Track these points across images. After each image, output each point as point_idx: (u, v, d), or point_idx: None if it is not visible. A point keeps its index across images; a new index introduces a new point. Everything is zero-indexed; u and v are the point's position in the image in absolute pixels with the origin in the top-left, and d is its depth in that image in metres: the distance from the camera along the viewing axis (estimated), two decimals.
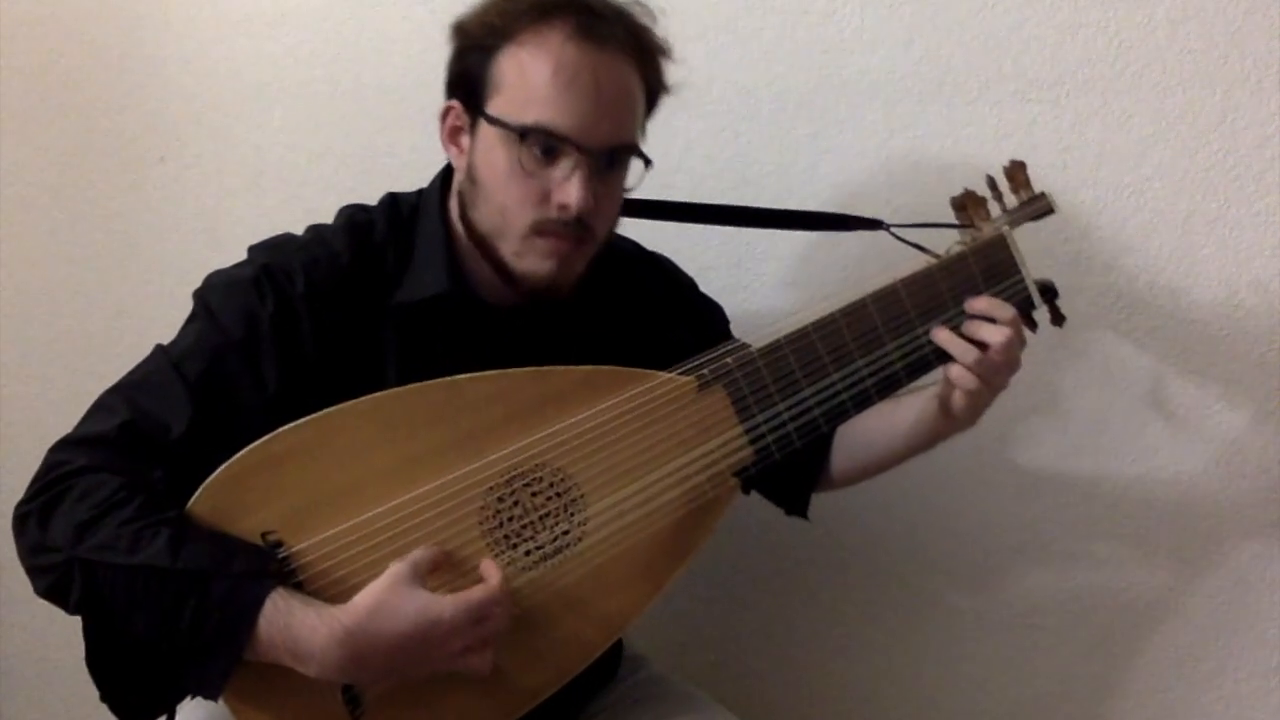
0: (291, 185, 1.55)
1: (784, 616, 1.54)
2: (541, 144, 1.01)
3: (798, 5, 1.40)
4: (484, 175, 1.04)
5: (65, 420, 1.03)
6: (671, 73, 1.10)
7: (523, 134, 1.01)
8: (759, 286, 1.47)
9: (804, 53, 1.41)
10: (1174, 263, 1.35)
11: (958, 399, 1.08)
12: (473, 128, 1.06)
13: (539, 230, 1.03)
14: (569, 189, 1.01)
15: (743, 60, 1.43)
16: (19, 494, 0.98)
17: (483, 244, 1.07)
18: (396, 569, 0.94)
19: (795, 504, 1.26)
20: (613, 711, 1.23)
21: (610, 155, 1.04)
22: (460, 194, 1.09)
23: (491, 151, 1.03)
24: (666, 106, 1.44)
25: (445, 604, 0.93)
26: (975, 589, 1.48)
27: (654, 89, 1.09)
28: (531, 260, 1.04)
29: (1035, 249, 1.36)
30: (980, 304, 1.08)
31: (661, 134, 1.45)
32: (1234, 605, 1.41)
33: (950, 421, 1.11)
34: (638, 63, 1.05)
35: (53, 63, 1.59)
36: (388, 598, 0.92)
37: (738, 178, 1.45)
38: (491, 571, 0.98)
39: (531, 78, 1.01)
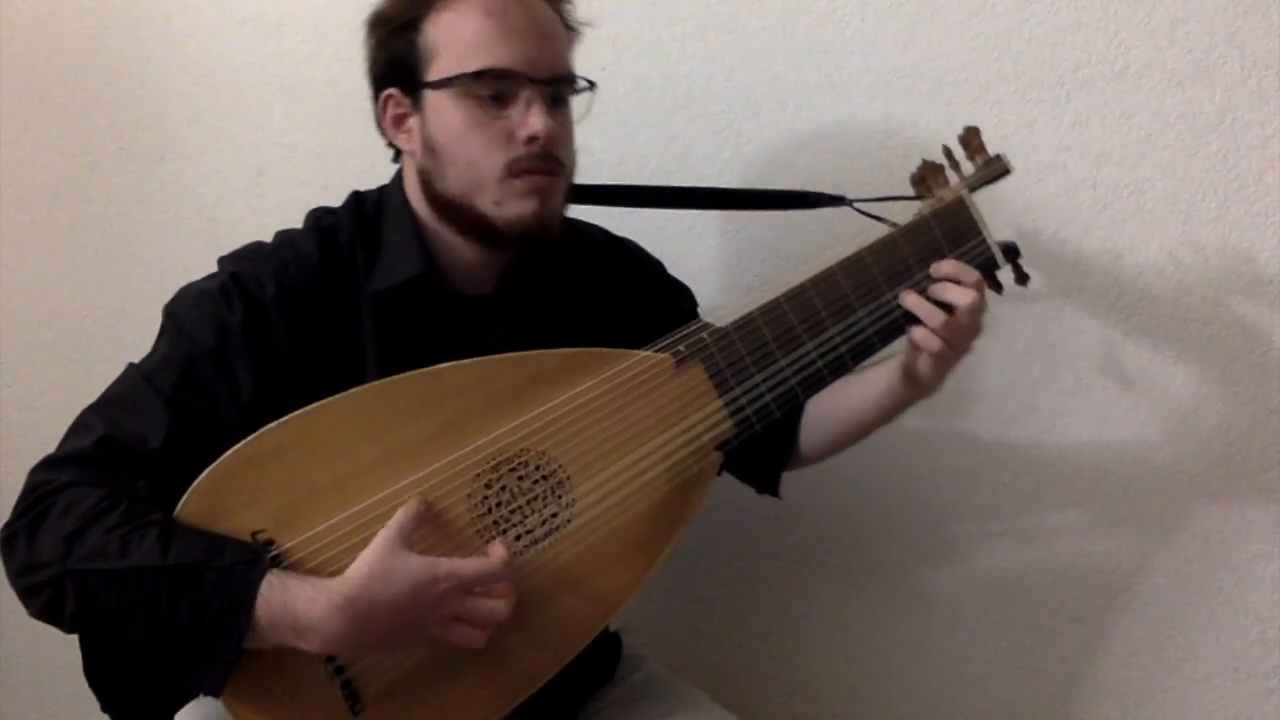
0: (291, 185, 1.56)
1: (783, 617, 1.54)
2: (493, 88, 1.04)
3: (798, 5, 1.40)
4: (444, 140, 1.06)
5: (65, 420, 1.03)
6: (578, 11, 1.14)
7: (475, 77, 1.03)
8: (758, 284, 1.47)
9: (804, 53, 1.41)
10: (1174, 263, 1.35)
11: (923, 363, 1.09)
12: (416, 105, 1.08)
13: (513, 170, 1.05)
14: (531, 121, 1.04)
15: (743, 60, 1.43)
16: (18, 493, 0.98)
17: (457, 211, 1.07)
18: (385, 535, 0.94)
19: (766, 482, 1.27)
20: (611, 711, 1.23)
21: (557, 86, 1.07)
22: (422, 174, 1.09)
23: (445, 114, 1.06)
24: (666, 106, 1.45)
25: (440, 564, 0.94)
26: (975, 589, 1.48)
27: (568, 28, 1.12)
28: (513, 204, 1.05)
29: (1035, 249, 1.37)
30: (946, 267, 1.10)
31: (661, 134, 1.46)
32: (1234, 605, 1.41)
33: (915, 388, 1.12)
34: (550, 1, 1.10)
35: (53, 63, 1.59)
36: (381, 562, 0.93)
37: (737, 178, 1.45)
38: (497, 550, 0.98)
39: (465, 31, 1.04)
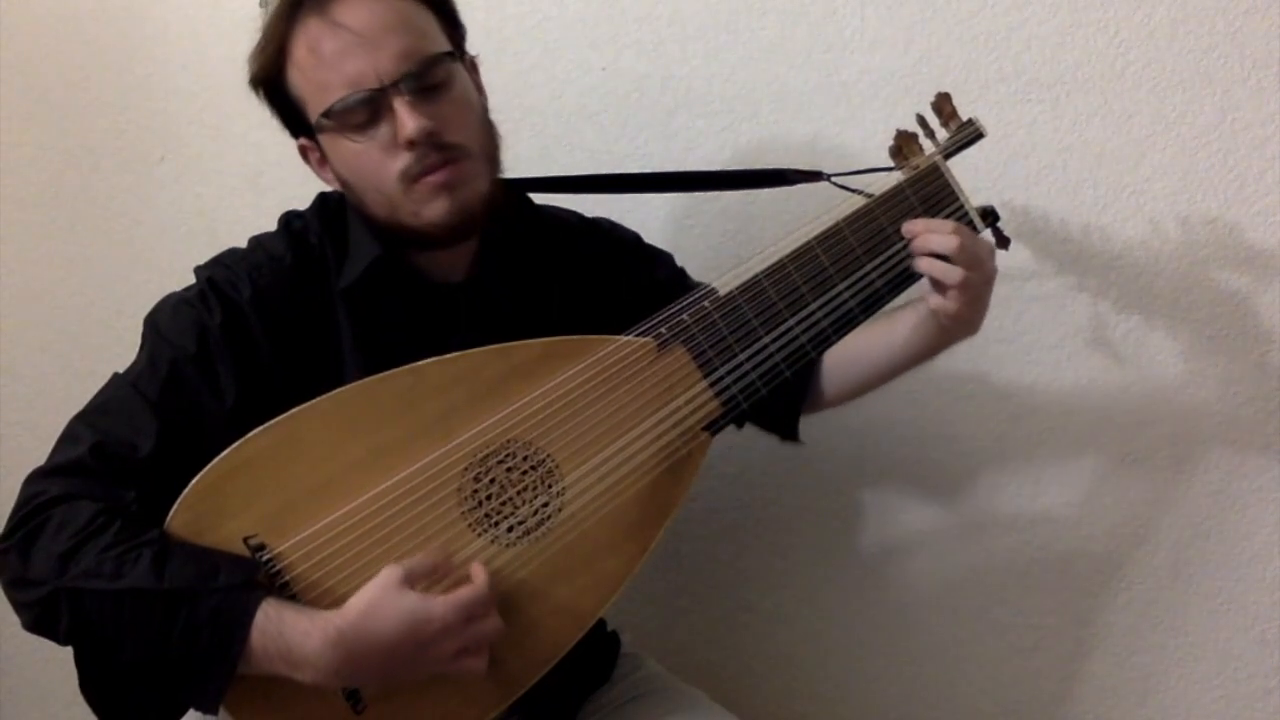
0: (291, 185, 1.55)
1: (783, 616, 1.54)
2: (351, 118, 1.02)
3: (798, 5, 1.40)
4: (347, 172, 1.07)
5: (64, 421, 1.03)
6: None
7: (328, 115, 1.03)
8: None
9: (804, 53, 1.41)
10: (1174, 263, 1.35)
11: (948, 306, 1.07)
12: (320, 149, 1.08)
13: (409, 178, 1.03)
14: (402, 125, 1.01)
15: (743, 60, 1.43)
16: (16, 492, 0.98)
17: (391, 229, 1.07)
18: (389, 572, 0.95)
19: (786, 428, 1.26)
20: (610, 710, 1.22)
21: (417, 76, 1.02)
22: (353, 207, 1.10)
23: (337, 150, 1.06)
24: (666, 106, 1.45)
25: (435, 604, 0.94)
26: (975, 590, 1.48)
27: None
28: (426, 209, 1.04)
29: (1035, 249, 1.37)
30: (917, 226, 1.09)
31: (662, 134, 1.46)
32: (1233, 605, 1.41)
33: (949, 331, 1.11)
34: None
35: (53, 63, 1.59)
36: (378, 600, 0.93)
37: None
38: (478, 571, 0.99)
39: (307, 72, 1.03)
